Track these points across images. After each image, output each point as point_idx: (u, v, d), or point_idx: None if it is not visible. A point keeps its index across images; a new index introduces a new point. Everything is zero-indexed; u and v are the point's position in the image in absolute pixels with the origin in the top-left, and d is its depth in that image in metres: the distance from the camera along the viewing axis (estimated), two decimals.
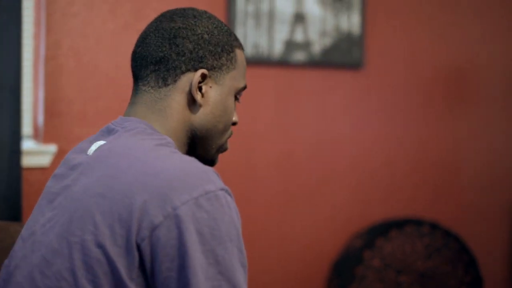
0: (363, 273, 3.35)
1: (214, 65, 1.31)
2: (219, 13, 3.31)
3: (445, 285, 3.45)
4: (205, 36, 1.31)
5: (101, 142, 1.27)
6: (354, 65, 3.51)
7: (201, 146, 1.34)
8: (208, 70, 1.31)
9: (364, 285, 3.34)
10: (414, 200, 3.68)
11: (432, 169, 3.70)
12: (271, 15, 3.37)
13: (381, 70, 3.60)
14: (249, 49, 3.33)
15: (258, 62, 3.36)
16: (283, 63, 3.40)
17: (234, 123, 1.40)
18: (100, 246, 1.12)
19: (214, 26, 1.33)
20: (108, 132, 1.29)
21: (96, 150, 1.24)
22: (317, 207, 3.53)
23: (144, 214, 1.11)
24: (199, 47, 1.30)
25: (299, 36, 3.42)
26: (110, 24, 3.01)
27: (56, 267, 1.16)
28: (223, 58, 1.32)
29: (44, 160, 2.84)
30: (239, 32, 3.31)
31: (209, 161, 1.38)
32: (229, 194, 1.17)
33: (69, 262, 1.14)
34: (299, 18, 3.42)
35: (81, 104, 2.97)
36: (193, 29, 1.30)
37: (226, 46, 1.33)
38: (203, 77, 1.30)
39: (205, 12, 1.36)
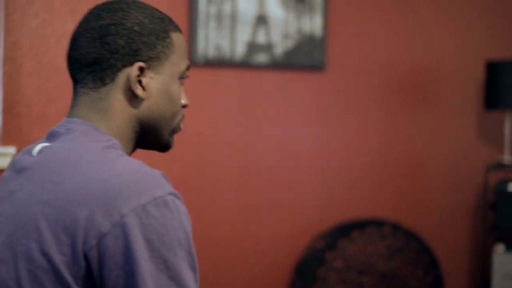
0: (325, 274, 3.36)
1: (151, 56, 1.27)
2: (181, 15, 3.30)
3: (406, 286, 3.48)
4: (136, 28, 1.26)
5: (46, 144, 1.24)
6: (317, 67, 3.52)
7: (152, 136, 1.32)
8: (145, 62, 1.26)
9: (326, 286, 3.36)
10: (376, 201, 3.70)
11: (394, 171, 3.73)
12: (233, 16, 3.37)
13: (343, 72, 3.62)
14: (211, 51, 3.33)
15: (220, 63, 3.35)
16: (245, 65, 3.40)
17: (184, 106, 1.38)
18: (45, 255, 1.10)
19: (145, 15, 1.28)
20: (53, 135, 1.26)
21: (40, 153, 1.21)
22: (280, 208, 3.54)
23: (91, 223, 1.10)
24: (132, 40, 1.25)
25: (261, 38, 3.42)
26: (70, 25, 2.99)
27: (0, 276, 1.13)
28: (159, 46, 1.28)
29: (3, 162, 2.81)
30: (201, 34, 3.31)
31: (164, 146, 1.36)
32: (178, 198, 1.16)
33: (14, 271, 1.12)
34: (261, 20, 3.42)
35: (41, 105, 2.94)
36: (122, 23, 1.26)
37: (160, 33, 1.28)
38: (141, 70, 1.26)
39: (134, 1, 1.31)
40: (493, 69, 3.57)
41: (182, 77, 1.34)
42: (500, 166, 3.59)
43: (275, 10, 3.44)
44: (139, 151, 3.31)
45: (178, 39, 1.33)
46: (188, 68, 1.36)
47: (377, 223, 3.47)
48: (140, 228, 1.09)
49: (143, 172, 1.15)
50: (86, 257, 1.09)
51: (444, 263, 3.83)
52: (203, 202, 3.41)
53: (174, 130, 1.35)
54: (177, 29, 1.33)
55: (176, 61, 1.31)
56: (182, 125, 1.21)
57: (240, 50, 3.38)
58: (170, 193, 1.14)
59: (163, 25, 1.30)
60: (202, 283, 3.45)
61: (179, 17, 3.31)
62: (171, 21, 1.33)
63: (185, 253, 1.12)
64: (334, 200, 3.63)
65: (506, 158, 3.65)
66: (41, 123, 2.94)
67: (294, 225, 3.57)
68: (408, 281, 3.48)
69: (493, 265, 3.49)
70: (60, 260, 1.10)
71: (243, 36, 3.38)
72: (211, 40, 3.33)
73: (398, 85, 3.72)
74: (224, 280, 3.48)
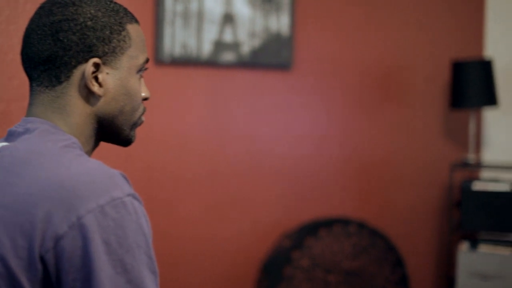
0: (292, 273, 3.37)
1: (106, 50, 1.23)
2: (147, 13, 3.28)
3: (372, 284, 3.50)
4: (89, 23, 1.22)
5: (4, 144, 1.22)
6: (283, 66, 3.53)
7: (112, 131, 1.29)
8: (100, 57, 1.23)
9: (293, 285, 3.36)
10: (341, 200, 3.72)
11: (360, 169, 3.75)
12: (200, 15, 3.36)
13: (310, 71, 3.62)
14: (177, 49, 3.31)
15: (186, 62, 3.34)
16: (212, 63, 3.39)
17: (145, 99, 1.35)
18: (1, 259, 1.08)
19: (97, 9, 1.24)
20: (12, 135, 1.24)
21: None
22: (247, 207, 3.54)
23: (48, 225, 1.08)
24: (85, 36, 1.22)
25: (228, 37, 3.41)
26: None
27: None
28: (114, 40, 1.24)
29: None
30: (167, 32, 3.29)
31: (125, 141, 1.33)
32: (137, 199, 1.14)
33: None
34: (228, 18, 3.41)
35: (5, 104, 2.90)
36: (75, 19, 1.22)
37: (115, 27, 1.24)
38: (96, 66, 1.23)
39: None
40: (459, 69, 3.60)
41: (140, 70, 1.30)
42: (465, 165, 3.62)
43: (242, 9, 3.43)
44: (104, 149, 3.29)
45: (134, 31, 1.29)
46: (147, 61, 1.32)
47: (343, 222, 3.48)
48: (98, 230, 1.08)
49: (101, 173, 1.13)
50: (42, 260, 1.08)
51: (409, 262, 3.85)
52: (169, 201, 3.40)
53: (135, 124, 1.32)
54: (133, 20, 1.29)
55: (134, 54, 1.28)
56: (144, 118, 1.17)
57: (206, 49, 3.37)
58: (129, 194, 1.12)
59: (118, 17, 1.26)
60: (168, 283, 3.44)
61: (145, 15, 3.29)
62: (126, 12, 1.28)
63: (145, 256, 1.11)
64: (301, 199, 3.64)
65: (471, 157, 3.68)
66: (5, 121, 2.90)
67: (261, 224, 3.57)
68: (374, 279, 3.50)
69: (458, 263, 3.52)
70: (16, 264, 1.08)
71: (209, 34, 3.37)
72: (178, 38, 3.32)
73: (364, 84, 3.74)
74: (190, 280, 3.47)
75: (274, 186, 3.58)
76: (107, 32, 1.24)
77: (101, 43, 1.23)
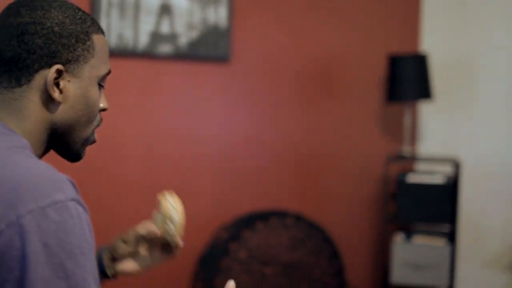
0: (229, 265, 3.37)
1: (70, 58, 1.24)
2: (83, 2, 3.23)
3: (309, 276, 3.52)
4: (56, 28, 1.22)
5: None
6: (221, 58, 3.52)
7: (64, 141, 1.28)
8: (63, 64, 1.23)
9: (230, 277, 3.37)
10: (279, 193, 3.73)
11: (297, 162, 3.77)
12: (137, 5, 3.32)
13: (248, 63, 3.62)
14: (113, 40, 3.27)
15: (122, 53, 3.30)
16: (148, 55, 3.36)
17: (103, 110, 1.35)
18: None
19: (65, 15, 1.24)
20: None
21: None
22: (184, 199, 3.52)
23: None
24: (50, 41, 1.22)
25: (165, 28, 3.39)
26: None
27: None
28: (79, 49, 1.25)
29: None
30: (103, 23, 3.25)
31: (75, 155, 1.32)
32: (81, 205, 1.13)
33: None
34: (165, 9, 3.38)
35: None
36: (42, 23, 1.22)
37: (81, 36, 1.25)
38: (59, 72, 1.23)
39: (56, 0, 1.27)
40: (394, 63, 3.65)
41: (101, 84, 1.31)
42: (400, 157, 3.68)
43: (180, 0, 3.40)
44: None
45: (99, 41, 1.30)
46: (108, 73, 1.33)
47: (280, 214, 3.50)
48: (38, 232, 1.06)
49: (47, 175, 1.11)
50: None
51: (346, 253, 3.90)
52: (104, 192, 3.36)
53: (88, 140, 1.32)
54: (99, 31, 1.30)
55: (96, 65, 1.28)
56: (97, 138, 1.19)
57: (143, 40, 3.34)
58: (73, 199, 1.11)
59: (85, 26, 1.26)
60: None
61: (81, 5, 3.23)
62: (93, 22, 1.29)
63: (88, 263, 1.09)
64: (238, 192, 3.64)
65: (406, 150, 3.74)
66: None
67: (198, 216, 3.56)
68: (311, 271, 3.53)
69: (393, 254, 3.58)
70: None
71: (146, 25, 3.34)
72: (114, 29, 3.27)
73: (301, 77, 3.75)
74: None
75: (211, 178, 3.57)
76: (73, 40, 1.25)
77: (65, 50, 1.24)
